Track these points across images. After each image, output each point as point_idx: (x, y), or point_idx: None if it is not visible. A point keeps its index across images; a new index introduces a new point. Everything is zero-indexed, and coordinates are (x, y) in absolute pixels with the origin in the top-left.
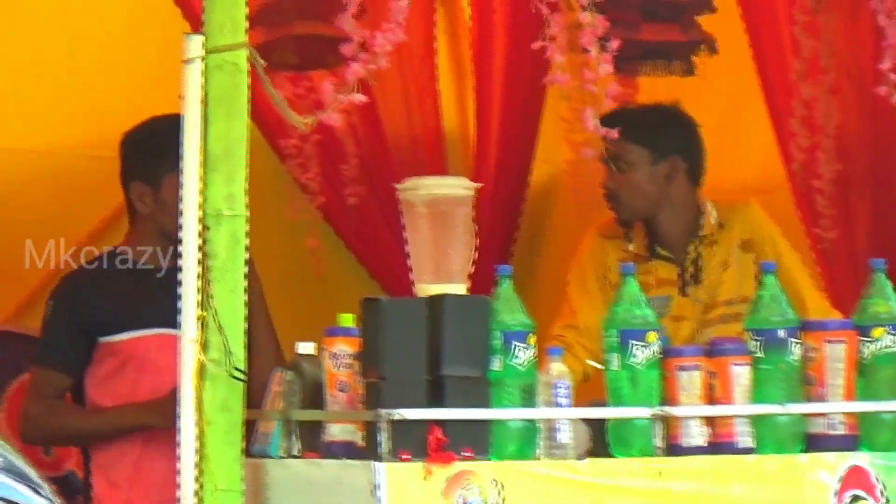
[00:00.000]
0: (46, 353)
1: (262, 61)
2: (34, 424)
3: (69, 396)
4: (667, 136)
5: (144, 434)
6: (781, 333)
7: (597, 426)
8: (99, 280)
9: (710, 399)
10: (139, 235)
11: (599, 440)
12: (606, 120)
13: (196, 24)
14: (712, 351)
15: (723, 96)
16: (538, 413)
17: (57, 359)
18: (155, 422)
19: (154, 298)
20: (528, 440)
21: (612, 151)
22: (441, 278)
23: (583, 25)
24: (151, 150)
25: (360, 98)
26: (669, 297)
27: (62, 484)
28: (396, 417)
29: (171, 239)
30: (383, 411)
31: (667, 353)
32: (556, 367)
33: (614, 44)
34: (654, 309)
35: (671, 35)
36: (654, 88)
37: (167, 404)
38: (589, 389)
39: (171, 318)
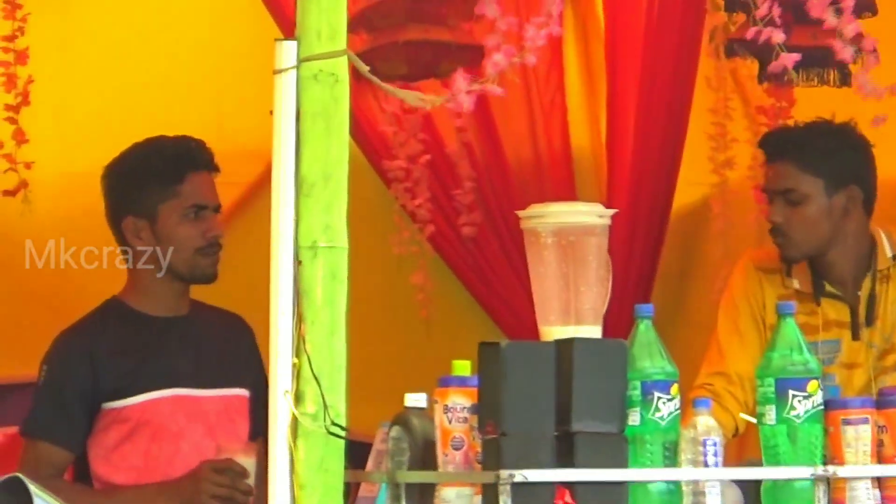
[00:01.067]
0: (40, 426)
1: (366, 68)
2: None
3: (70, 473)
4: (842, 162)
5: None
6: None
7: (751, 489)
8: (98, 337)
9: (881, 458)
10: (140, 279)
11: None
12: (769, 144)
13: (289, 29)
14: (883, 402)
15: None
16: (683, 474)
17: (53, 431)
18: None
19: (165, 354)
20: None
21: (782, 182)
22: (570, 320)
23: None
24: (141, 179)
25: (495, 90)
26: (840, 340)
27: None
28: (520, 479)
29: (178, 278)
30: (505, 472)
31: (831, 405)
32: (704, 422)
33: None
34: (822, 355)
35: (826, 39)
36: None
37: (186, 484)
38: (741, 447)
39: (186, 375)
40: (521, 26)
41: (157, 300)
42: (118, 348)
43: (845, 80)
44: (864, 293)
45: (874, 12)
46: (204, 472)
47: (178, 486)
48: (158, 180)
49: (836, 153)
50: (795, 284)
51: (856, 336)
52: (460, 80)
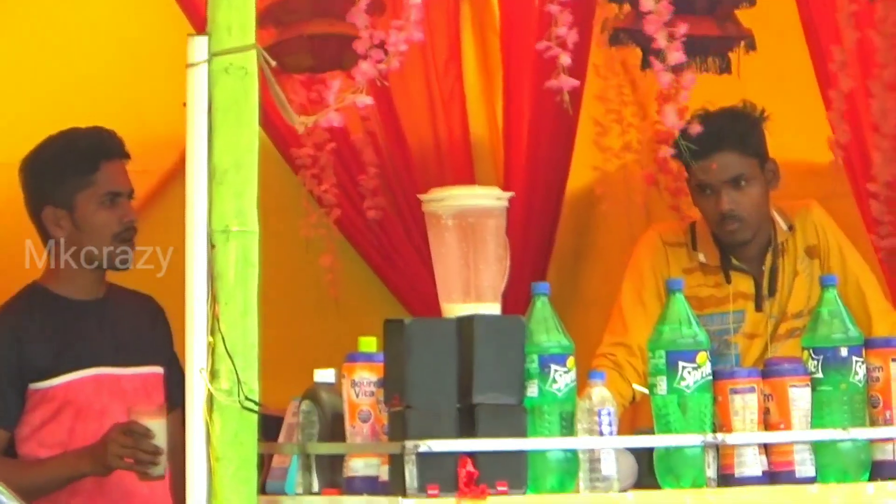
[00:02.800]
0: None
1: (272, 62)
2: None
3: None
4: (761, 141)
5: (85, 482)
6: (843, 352)
7: (643, 456)
8: (22, 322)
9: (767, 425)
10: (59, 265)
11: (646, 471)
12: (707, 140)
13: (200, 25)
14: (768, 372)
15: (759, 96)
16: (579, 443)
17: None
18: (91, 469)
19: (85, 336)
20: (569, 472)
21: (731, 170)
22: (471, 297)
23: (642, 14)
24: (59, 170)
25: (364, 100)
26: (745, 311)
27: None
28: (424, 449)
29: (97, 261)
30: (410, 443)
31: (718, 375)
32: (599, 393)
33: (681, 29)
34: (730, 325)
35: (707, 29)
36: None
37: (99, 448)
38: (634, 415)
39: (106, 355)
40: (388, 32)
41: (75, 285)
42: (42, 331)
43: (726, 68)
44: (766, 266)
45: (752, 3)
46: (112, 433)
47: (93, 450)
48: (74, 170)
49: (756, 134)
50: (701, 258)
51: (759, 307)
52: (331, 96)
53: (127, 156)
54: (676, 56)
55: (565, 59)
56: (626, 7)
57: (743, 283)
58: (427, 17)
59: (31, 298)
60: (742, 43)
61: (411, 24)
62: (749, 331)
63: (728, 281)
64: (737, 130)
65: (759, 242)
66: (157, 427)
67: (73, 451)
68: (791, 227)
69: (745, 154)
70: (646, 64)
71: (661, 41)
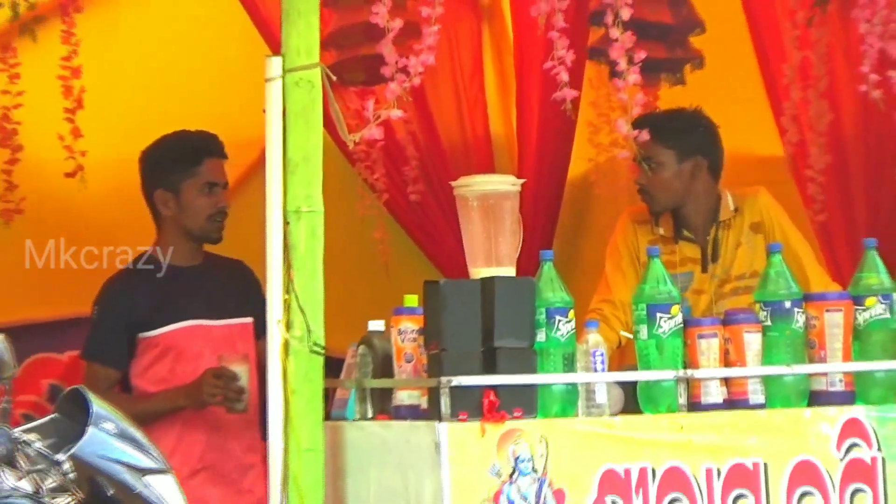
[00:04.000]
0: (95, 351)
1: (333, 77)
2: None
3: (118, 388)
4: (690, 137)
5: (184, 413)
6: (787, 304)
7: (629, 388)
8: (134, 282)
9: (726, 362)
10: (166, 237)
11: (631, 400)
12: (637, 124)
13: (275, 46)
14: (727, 320)
15: (717, 104)
16: (578, 378)
17: (105, 355)
18: (186, 403)
19: (183, 293)
20: (570, 401)
21: (643, 153)
22: (492, 263)
23: (611, 40)
24: (170, 159)
25: (396, 114)
26: (692, 273)
27: None
28: (455, 384)
29: (194, 238)
30: (444, 378)
31: (688, 323)
32: (593, 338)
33: (640, 55)
34: (679, 284)
35: (659, 53)
36: (673, 97)
37: (194, 388)
38: (622, 357)
39: (200, 310)
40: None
41: (178, 254)
42: (147, 289)
43: (679, 80)
44: (711, 237)
45: (703, 30)
46: (205, 376)
47: (190, 389)
48: (182, 163)
49: (685, 131)
50: (661, 231)
51: (704, 269)
52: (369, 113)
53: (225, 156)
54: (634, 77)
55: (565, 76)
56: (602, 30)
57: (690, 251)
58: (455, 39)
59: (141, 264)
60: (689, 63)
61: (425, 49)
62: (696, 288)
63: (675, 242)
64: (658, 124)
65: (706, 219)
66: (242, 371)
67: (174, 388)
68: (737, 209)
69: (662, 143)
70: (612, 76)
71: (622, 65)
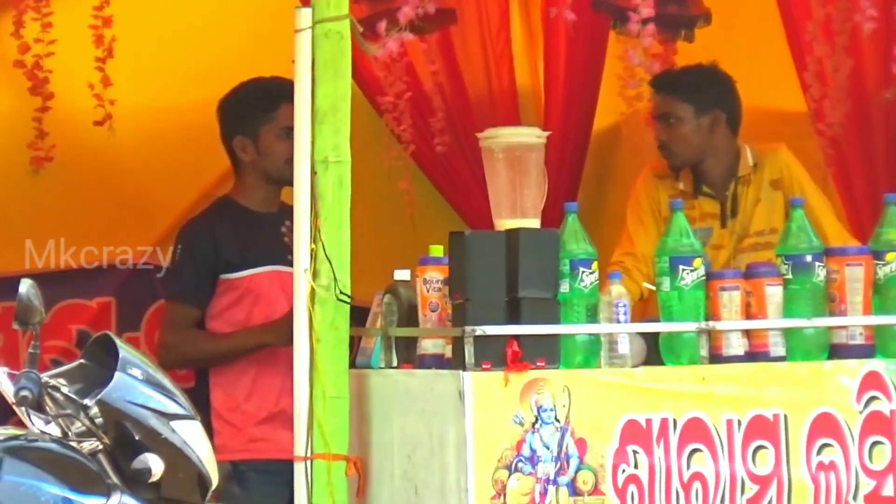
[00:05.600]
0: (178, 290)
1: (361, 29)
2: (173, 352)
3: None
4: (707, 92)
5: (260, 355)
6: (808, 258)
7: (651, 339)
8: (217, 225)
9: (748, 315)
10: (246, 183)
11: (653, 351)
12: (656, 81)
13: None
14: (749, 274)
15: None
16: (601, 328)
17: (187, 294)
18: (273, 340)
19: (263, 239)
20: (593, 352)
21: (662, 109)
22: (517, 214)
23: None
24: (247, 106)
25: (407, 36)
26: (711, 228)
27: (192, 394)
28: (480, 333)
29: (274, 182)
30: (468, 328)
31: (710, 276)
32: (616, 289)
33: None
34: (699, 239)
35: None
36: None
37: (283, 324)
38: (644, 308)
39: (278, 256)
40: None
41: (256, 198)
42: (231, 233)
43: (690, 38)
44: (730, 193)
45: None
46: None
47: (278, 324)
48: (259, 108)
49: (702, 86)
50: (681, 186)
51: (723, 225)
52: (383, 30)
53: None
54: (647, 11)
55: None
56: None
57: (709, 206)
58: None
59: (222, 207)
60: (701, 20)
61: None
62: (716, 243)
63: (695, 199)
64: (675, 80)
65: (725, 174)
66: None
67: (259, 325)
68: (756, 165)
69: (681, 99)
70: (615, 26)
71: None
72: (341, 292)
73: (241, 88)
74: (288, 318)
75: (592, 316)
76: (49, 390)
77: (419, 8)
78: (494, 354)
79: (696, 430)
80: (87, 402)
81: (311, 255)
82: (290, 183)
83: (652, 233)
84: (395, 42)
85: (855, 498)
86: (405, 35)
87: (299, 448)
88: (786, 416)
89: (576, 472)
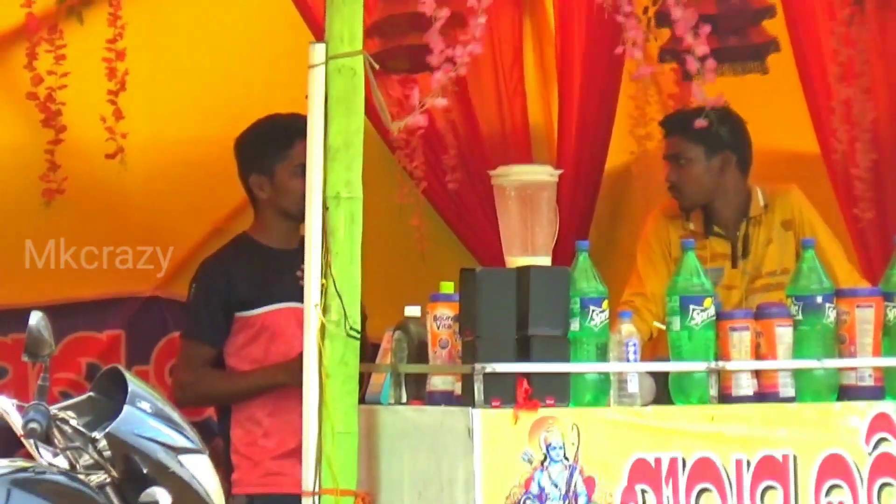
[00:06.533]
0: (194, 329)
1: (376, 66)
2: (188, 391)
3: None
4: (718, 133)
5: (276, 392)
6: (819, 299)
7: (660, 378)
8: (233, 263)
9: (758, 355)
10: (263, 221)
11: (663, 390)
12: (666, 122)
13: (318, 33)
14: (759, 314)
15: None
16: (611, 367)
17: (203, 333)
18: (287, 380)
19: (280, 276)
20: (602, 390)
21: (672, 149)
22: (528, 252)
23: (675, 20)
24: (262, 144)
25: (441, 102)
26: (722, 268)
27: (201, 428)
28: (490, 370)
29: (291, 218)
30: (478, 365)
31: (721, 316)
32: (626, 328)
33: (705, 29)
34: (710, 279)
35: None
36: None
37: (296, 364)
38: (654, 347)
39: (295, 293)
40: (455, 48)
41: (274, 236)
42: (247, 271)
43: (764, 70)
44: (741, 233)
45: (773, 15)
46: None
47: (291, 364)
48: (275, 146)
49: (712, 127)
50: (691, 226)
51: (734, 265)
52: (415, 100)
53: None
54: (702, 49)
55: (638, 54)
56: (667, 31)
57: (721, 246)
58: (497, 30)
59: (239, 245)
60: (773, 48)
61: (472, 40)
62: (727, 283)
63: (706, 236)
64: (686, 121)
65: (735, 215)
66: None
67: (274, 365)
68: (767, 206)
69: (691, 140)
70: (686, 77)
71: (689, 39)
72: (351, 328)
73: (256, 126)
74: (301, 358)
75: (602, 354)
76: (58, 423)
77: (452, 72)
78: (504, 392)
79: (705, 470)
80: (95, 434)
81: (322, 290)
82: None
83: (662, 273)
84: (424, 116)
85: None
86: (439, 102)
87: (307, 483)
88: (795, 457)
89: None
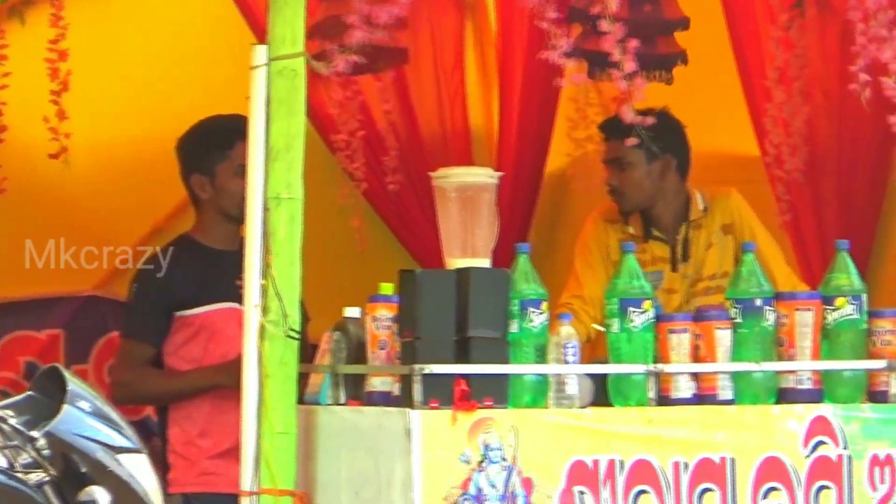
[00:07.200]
0: (133, 328)
1: (318, 64)
2: (126, 390)
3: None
4: (658, 138)
5: (213, 392)
6: (758, 302)
7: (599, 380)
8: (173, 263)
9: (697, 358)
10: (205, 221)
11: (601, 392)
12: (605, 126)
13: (261, 35)
14: (699, 317)
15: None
16: (549, 369)
17: (142, 333)
18: (225, 381)
19: (220, 276)
20: (541, 392)
21: (613, 154)
22: (468, 254)
23: (602, 32)
24: (203, 144)
25: (360, 59)
26: (662, 272)
27: (140, 427)
28: (428, 371)
29: (231, 219)
30: (417, 366)
31: (660, 318)
32: (565, 330)
33: (632, 43)
34: (650, 283)
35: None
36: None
37: (234, 366)
38: (593, 349)
39: (234, 293)
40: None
41: (215, 236)
42: (185, 270)
43: (669, 81)
44: (681, 237)
45: (686, 27)
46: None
47: (229, 366)
48: (216, 147)
49: (654, 131)
50: (630, 230)
51: (674, 269)
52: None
53: None
54: (630, 65)
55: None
56: (580, 27)
57: (660, 250)
58: (438, 32)
59: (179, 245)
60: (678, 61)
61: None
62: (667, 287)
63: (645, 240)
64: (627, 126)
65: (675, 218)
66: None
67: (212, 366)
68: (707, 209)
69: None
70: (592, 74)
71: (617, 55)
72: (291, 328)
73: (198, 127)
74: (239, 360)
75: (541, 356)
76: None
77: (369, 34)
78: (442, 393)
79: (643, 473)
80: (34, 433)
81: (262, 291)
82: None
83: (600, 276)
84: (344, 62)
85: None
86: (353, 57)
87: (245, 483)
88: (733, 460)
89: None
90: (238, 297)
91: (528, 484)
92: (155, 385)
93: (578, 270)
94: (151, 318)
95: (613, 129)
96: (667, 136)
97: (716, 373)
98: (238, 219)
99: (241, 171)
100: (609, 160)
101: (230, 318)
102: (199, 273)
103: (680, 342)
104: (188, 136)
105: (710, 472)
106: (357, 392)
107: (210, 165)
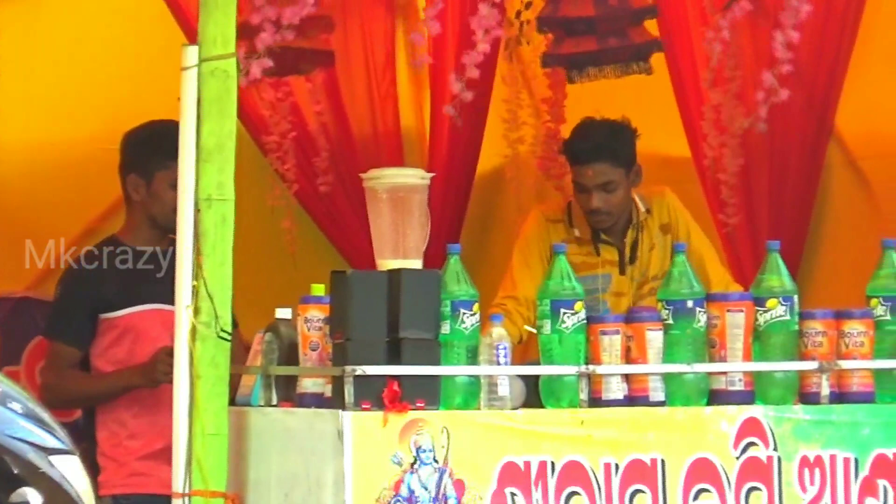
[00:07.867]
0: (59, 330)
1: (246, 68)
2: (52, 392)
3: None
4: (630, 151)
5: (142, 393)
6: (689, 304)
7: (531, 382)
8: (99, 265)
9: (628, 359)
10: (133, 223)
11: (533, 394)
12: (584, 151)
13: (191, 35)
14: (630, 318)
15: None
16: (481, 370)
17: (67, 335)
18: (139, 382)
19: (147, 278)
20: (472, 393)
21: (601, 178)
22: (399, 255)
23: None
24: (148, 148)
25: (268, 62)
26: (611, 275)
27: (71, 429)
28: (360, 373)
29: (158, 227)
30: (348, 368)
31: (591, 319)
32: (497, 331)
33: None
34: (599, 286)
35: (587, 46)
36: (580, 95)
37: (148, 366)
38: (525, 351)
39: (161, 294)
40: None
41: (143, 238)
42: (111, 272)
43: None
44: (628, 240)
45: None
46: (159, 355)
47: (144, 367)
48: (160, 152)
49: (626, 146)
50: (576, 233)
51: (622, 272)
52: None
53: None
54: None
55: (473, 73)
56: (550, 35)
57: (608, 253)
58: (369, 34)
59: (107, 246)
60: (656, 48)
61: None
62: (615, 290)
63: (598, 253)
64: (612, 145)
65: (622, 222)
66: None
67: (129, 367)
68: (648, 210)
69: (616, 165)
70: (572, 79)
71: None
72: (222, 329)
73: (147, 127)
74: (153, 360)
75: (473, 357)
76: None
77: (277, 35)
78: (374, 394)
79: (574, 474)
80: None
81: (193, 291)
82: (174, 231)
83: (537, 274)
84: (258, 67)
85: None
86: (265, 62)
87: (177, 484)
88: (663, 461)
89: None
90: (163, 299)
91: (459, 486)
92: (76, 388)
93: (515, 269)
94: (76, 320)
95: (594, 151)
96: (633, 147)
97: (647, 374)
98: (165, 228)
99: (177, 183)
100: (597, 185)
101: (155, 319)
102: (125, 275)
103: (611, 343)
104: (136, 133)
105: (641, 473)
106: (289, 393)
107: (149, 169)
